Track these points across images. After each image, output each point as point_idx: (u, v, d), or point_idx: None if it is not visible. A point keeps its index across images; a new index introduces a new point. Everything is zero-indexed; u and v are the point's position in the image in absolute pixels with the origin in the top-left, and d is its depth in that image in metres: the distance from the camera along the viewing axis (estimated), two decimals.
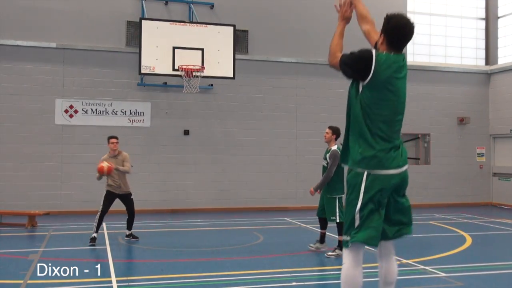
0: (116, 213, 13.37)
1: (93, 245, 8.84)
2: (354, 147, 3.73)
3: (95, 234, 9.00)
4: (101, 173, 8.96)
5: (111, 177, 9.16)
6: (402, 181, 3.75)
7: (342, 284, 3.76)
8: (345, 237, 3.76)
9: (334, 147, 8.13)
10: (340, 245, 7.83)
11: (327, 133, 8.29)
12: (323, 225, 8.49)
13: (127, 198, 9.52)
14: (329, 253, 8.10)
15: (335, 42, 3.84)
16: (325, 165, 8.24)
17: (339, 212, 8.09)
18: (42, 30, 13.38)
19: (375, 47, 3.77)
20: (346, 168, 3.94)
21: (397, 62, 3.61)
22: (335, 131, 8.24)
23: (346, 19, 3.98)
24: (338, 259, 7.95)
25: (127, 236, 9.58)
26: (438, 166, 16.29)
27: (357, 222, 3.67)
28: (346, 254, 3.77)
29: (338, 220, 8.07)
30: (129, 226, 9.58)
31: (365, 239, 3.66)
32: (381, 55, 3.55)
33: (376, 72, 3.51)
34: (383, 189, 3.65)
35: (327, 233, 8.60)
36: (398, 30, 3.54)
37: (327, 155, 8.16)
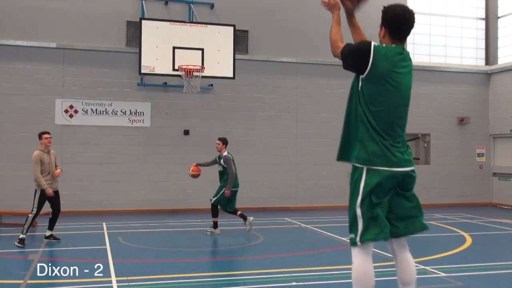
0: (116, 213, 13.41)
1: (23, 247, 8.63)
2: (355, 143, 3.66)
3: (24, 236, 8.79)
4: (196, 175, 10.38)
5: (48, 174, 9.00)
6: (404, 178, 3.66)
7: (354, 281, 3.63)
8: (351, 235, 3.67)
9: (225, 153, 10.13)
10: (216, 225, 10.16)
11: (218, 144, 10.20)
12: (215, 213, 10.20)
13: (56, 195, 9.19)
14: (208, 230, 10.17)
15: (333, 31, 3.74)
16: (221, 169, 10.26)
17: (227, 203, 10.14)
18: (42, 30, 13.38)
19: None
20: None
21: (398, 54, 3.52)
22: (224, 142, 10.23)
23: (335, 8, 3.84)
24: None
25: (47, 237, 9.17)
26: (438, 166, 16.29)
27: (359, 219, 3.60)
28: (354, 252, 3.67)
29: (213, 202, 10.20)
30: (52, 226, 9.23)
31: (373, 237, 3.57)
32: (380, 47, 3.47)
33: (375, 64, 3.42)
34: (382, 184, 3.57)
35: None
36: (398, 19, 3.48)
37: (221, 161, 10.15)
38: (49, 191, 8.90)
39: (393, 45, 3.54)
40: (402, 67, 3.53)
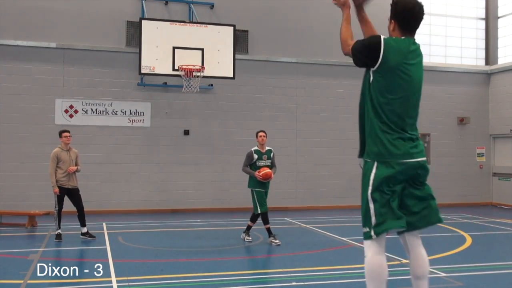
0: (116, 213, 13.41)
1: (60, 241, 9.14)
2: (368, 139, 3.68)
3: (59, 230, 9.29)
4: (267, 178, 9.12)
5: (64, 172, 9.35)
6: (417, 171, 3.66)
7: (367, 276, 3.63)
8: (365, 229, 3.66)
9: (268, 147, 9.59)
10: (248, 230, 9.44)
11: (264, 136, 9.47)
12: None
13: (76, 193, 9.54)
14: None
15: (343, 30, 3.77)
16: (268, 164, 9.33)
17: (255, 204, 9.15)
18: (42, 30, 13.38)
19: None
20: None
21: (408, 46, 3.54)
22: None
23: (346, 6, 3.88)
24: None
25: (83, 234, 9.50)
26: (438, 166, 16.29)
27: (372, 212, 3.59)
28: (367, 246, 3.66)
29: (254, 212, 9.21)
30: (83, 223, 9.52)
31: (386, 228, 3.57)
32: (390, 39, 3.50)
33: (386, 57, 3.45)
34: (393, 176, 3.57)
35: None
36: (408, 11, 3.49)
37: (271, 155, 9.44)
38: (55, 190, 9.26)
39: (403, 38, 3.55)
40: (413, 58, 3.55)
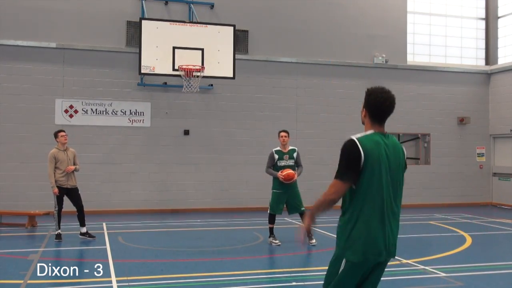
0: (116, 213, 13.41)
1: (60, 241, 9.17)
2: (347, 207, 3.54)
3: (59, 230, 9.31)
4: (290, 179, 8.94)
5: (63, 172, 9.35)
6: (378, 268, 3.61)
7: None
8: None
9: (291, 146, 9.37)
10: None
11: (285, 136, 9.20)
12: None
13: (75, 192, 9.53)
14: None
15: (322, 201, 3.54)
16: (292, 163, 9.15)
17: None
18: (42, 30, 13.38)
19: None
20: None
21: (381, 138, 3.51)
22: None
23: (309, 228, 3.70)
24: None
25: (82, 234, 9.52)
26: (438, 166, 16.29)
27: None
28: None
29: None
30: (83, 223, 9.53)
31: None
32: (361, 138, 3.44)
33: (366, 155, 3.38)
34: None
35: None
36: (378, 106, 3.52)
37: (295, 155, 9.21)
38: (55, 190, 9.25)
39: (373, 131, 3.53)
40: (390, 147, 3.51)
